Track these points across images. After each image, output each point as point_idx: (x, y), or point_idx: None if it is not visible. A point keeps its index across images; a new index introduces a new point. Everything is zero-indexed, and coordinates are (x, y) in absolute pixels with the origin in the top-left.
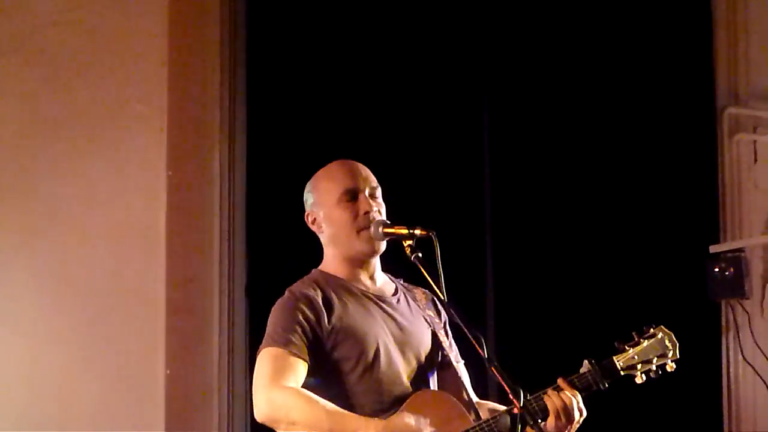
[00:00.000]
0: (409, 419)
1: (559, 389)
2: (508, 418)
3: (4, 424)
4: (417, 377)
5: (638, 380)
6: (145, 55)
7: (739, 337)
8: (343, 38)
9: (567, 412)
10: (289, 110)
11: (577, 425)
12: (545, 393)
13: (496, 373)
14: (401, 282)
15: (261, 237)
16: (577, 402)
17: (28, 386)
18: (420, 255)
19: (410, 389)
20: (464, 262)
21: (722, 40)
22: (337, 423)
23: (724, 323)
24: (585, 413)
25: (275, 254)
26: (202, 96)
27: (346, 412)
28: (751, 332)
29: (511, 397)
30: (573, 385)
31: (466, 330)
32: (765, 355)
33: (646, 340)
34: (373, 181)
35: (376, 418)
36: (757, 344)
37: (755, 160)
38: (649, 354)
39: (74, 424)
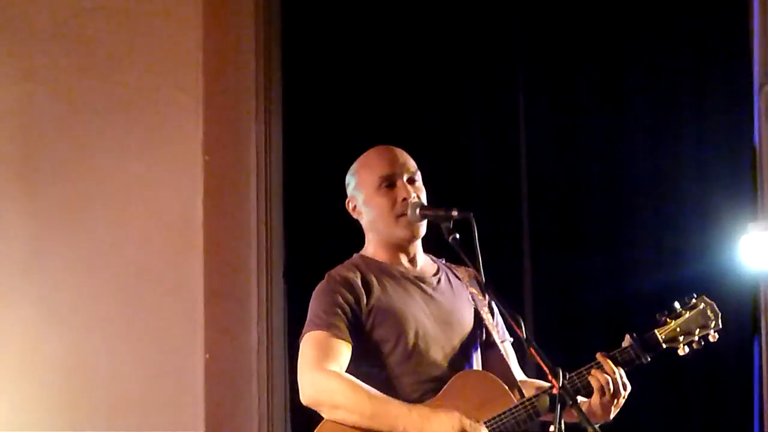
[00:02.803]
0: (450, 404)
1: (601, 366)
2: (548, 399)
3: (43, 411)
4: (458, 357)
5: (681, 352)
6: (180, 41)
7: None
8: (379, 19)
9: (612, 388)
10: (326, 93)
11: (623, 400)
12: (588, 371)
13: (534, 354)
14: (443, 262)
15: (298, 221)
16: (620, 377)
17: (67, 373)
18: (458, 236)
19: (451, 370)
20: (501, 244)
21: (760, 18)
22: (380, 409)
23: (762, 302)
24: (629, 388)
25: (313, 238)
26: (237, 80)
27: (389, 398)
28: None
29: (550, 377)
30: (615, 361)
31: (504, 311)
32: None
33: (687, 312)
34: (412, 166)
35: (419, 405)
36: None
37: None
38: (691, 325)
39: (113, 409)
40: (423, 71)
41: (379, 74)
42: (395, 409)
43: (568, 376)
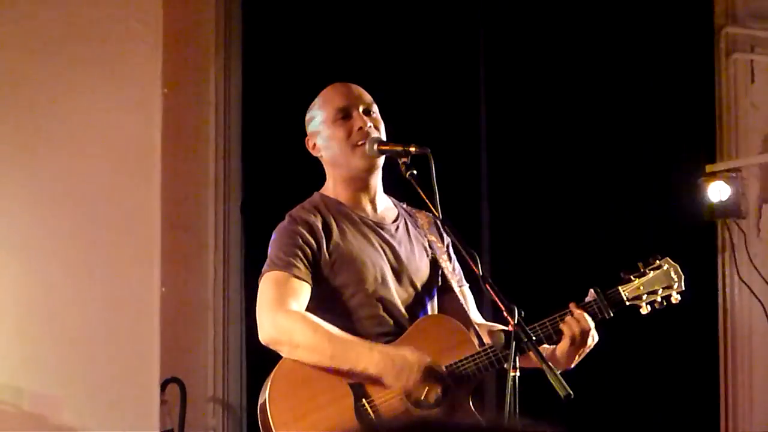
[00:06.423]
0: (411, 346)
1: (572, 314)
2: (503, 336)
3: None
4: (414, 304)
5: (643, 311)
6: None
7: (735, 257)
8: None
9: (584, 336)
10: (286, 28)
11: (588, 350)
12: (561, 318)
13: (489, 290)
14: (404, 206)
15: (256, 154)
16: (592, 328)
17: (22, 305)
18: (415, 172)
19: (409, 316)
20: (460, 181)
21: None
22: (340, 348)
23: (720, 243)
24: (597, 339)
25: (270, 172)
26: (198, 13)
27: (350, 337)
28: (747, 252)
29: (505, 313)
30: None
31: (460, 246)
32: (761, 275)
33: (651, 271)
34: (367, 98)
35: (379, 345)
36: (753, 264)
37: (752, 80)
38: (655, 285)
39: (67, 342)
40: (384, 8)
41: (341, 11)
42: (356, 348)
43: (540, 322)
